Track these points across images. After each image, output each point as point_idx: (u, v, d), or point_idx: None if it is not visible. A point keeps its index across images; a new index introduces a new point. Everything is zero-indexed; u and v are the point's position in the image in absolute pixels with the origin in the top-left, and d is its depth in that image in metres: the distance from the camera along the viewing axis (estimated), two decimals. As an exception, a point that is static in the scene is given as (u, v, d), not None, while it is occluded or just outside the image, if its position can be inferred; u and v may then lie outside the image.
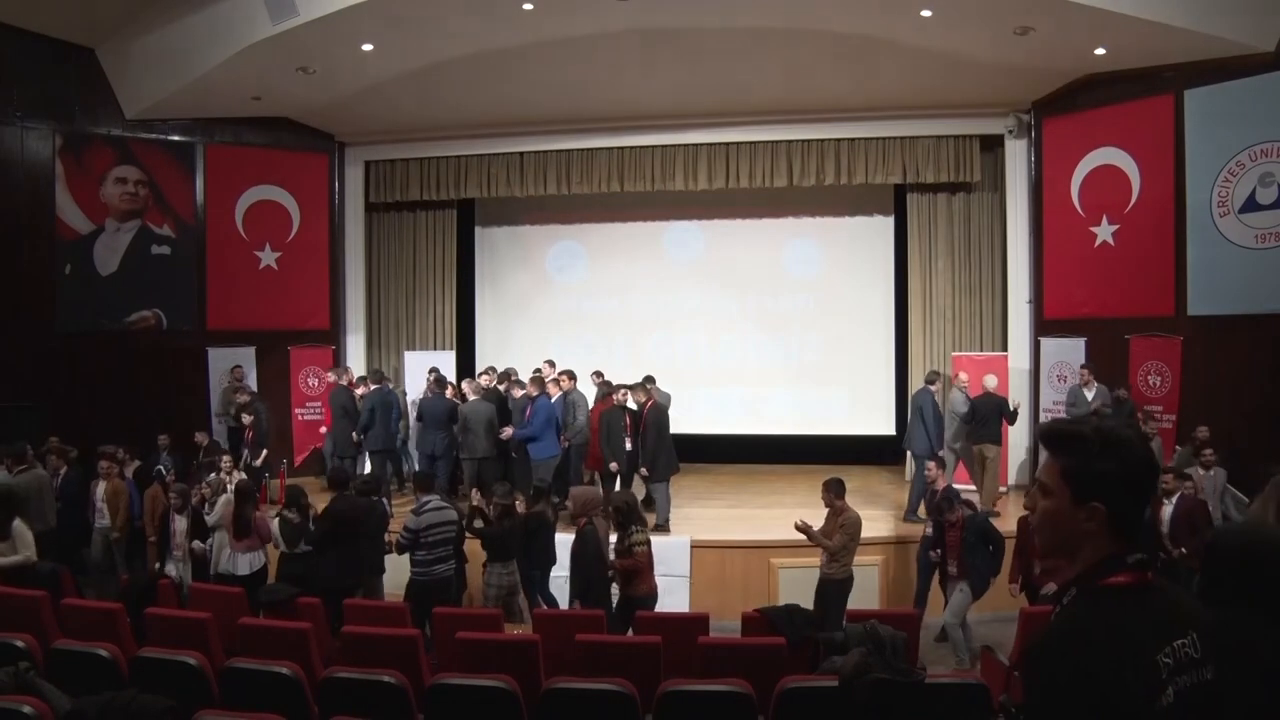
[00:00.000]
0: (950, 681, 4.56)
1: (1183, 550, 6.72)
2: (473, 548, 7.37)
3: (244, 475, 8.38)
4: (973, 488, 9.36)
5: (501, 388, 10.11)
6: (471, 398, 9.80)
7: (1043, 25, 8.37)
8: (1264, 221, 8.52)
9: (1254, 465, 7.64)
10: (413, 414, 10.61)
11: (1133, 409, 9.12)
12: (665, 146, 11.66)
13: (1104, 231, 9.95)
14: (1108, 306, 9.93)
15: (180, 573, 7.34)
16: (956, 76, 9.69)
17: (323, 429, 10.98)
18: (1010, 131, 10.93)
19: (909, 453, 10.10)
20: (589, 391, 10.28)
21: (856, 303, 12.27)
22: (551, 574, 7.45)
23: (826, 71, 9.77)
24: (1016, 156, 11.00)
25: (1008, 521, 8.13)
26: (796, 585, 7.20)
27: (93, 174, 10.55)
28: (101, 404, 10.21)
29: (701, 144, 11.56)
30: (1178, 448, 8.77)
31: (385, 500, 8.87)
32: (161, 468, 8.89)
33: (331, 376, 10.96)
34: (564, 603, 6.98)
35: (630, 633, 5.88)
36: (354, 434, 10.04)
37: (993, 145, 11.27)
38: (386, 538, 7.25)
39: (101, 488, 8.19)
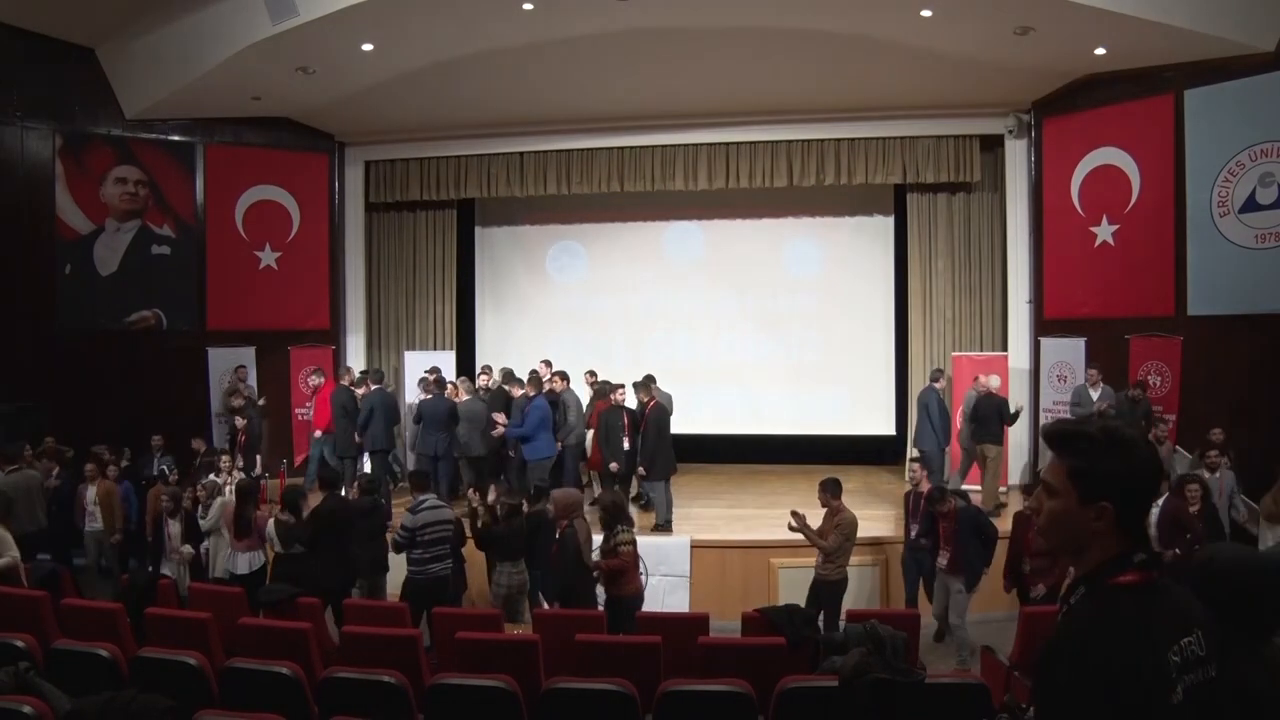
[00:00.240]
0: (950, 681, 4.56)
1: (1176, 551, 6.69)
2: (472, 548, 7.35)
3: (244, 475, 8.38)
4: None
5: (507, 387, 10.10)
6: (465, 398, 9.79)
7: (1043, 25, 8.36)
8: (1264, 221, 8.51)
9: (1254, 465, 7.67)
10: (409, 415, 10.56)
11: (1148, 409, 8.91)
12: (665, 146, 11.65)
13: (1104, 231, 9.94)
14: (1108, 306, 9.92)
15: (177, 575, 7.30)
16: (956, 76, 9.69)
17: (316, 433, 10.59)
18: (1010, 131, 10.92)
19: (920, 450, 10.01)
20: (583, 392, 10.26)
21: (856, 303, 12.26)
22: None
23: (826, 71, 9.76)
24: (1016, 156, 10.99)
25: (1008, 521, 8.11)
26: (796, 585, 7.20)
27: (93, 174, 10.55)
28: (101, 404, 10.20)
29: (701, 144, 11.55)
30: (1177, 448, 8.76)
31: (386, 500, 8.86)
32: (164, 468, 8.87)
33: (316, 380, 10.69)
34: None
35: (620, 633, 5.88)
36: (354, 434, 10.00)
37: (993, 145, 11.26)
38: (386, 537, 7.24)
39: (92, 490, 8.16)
